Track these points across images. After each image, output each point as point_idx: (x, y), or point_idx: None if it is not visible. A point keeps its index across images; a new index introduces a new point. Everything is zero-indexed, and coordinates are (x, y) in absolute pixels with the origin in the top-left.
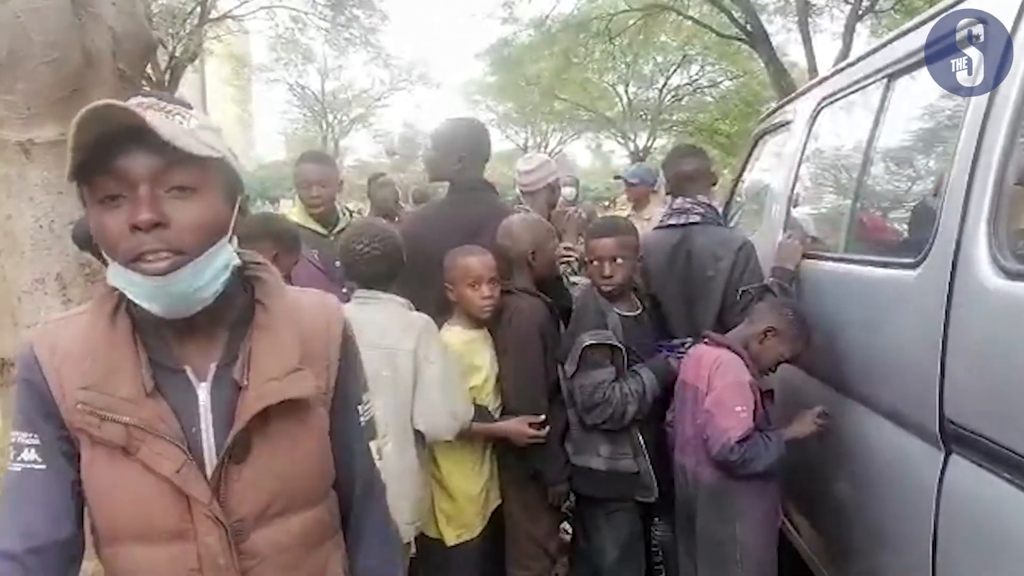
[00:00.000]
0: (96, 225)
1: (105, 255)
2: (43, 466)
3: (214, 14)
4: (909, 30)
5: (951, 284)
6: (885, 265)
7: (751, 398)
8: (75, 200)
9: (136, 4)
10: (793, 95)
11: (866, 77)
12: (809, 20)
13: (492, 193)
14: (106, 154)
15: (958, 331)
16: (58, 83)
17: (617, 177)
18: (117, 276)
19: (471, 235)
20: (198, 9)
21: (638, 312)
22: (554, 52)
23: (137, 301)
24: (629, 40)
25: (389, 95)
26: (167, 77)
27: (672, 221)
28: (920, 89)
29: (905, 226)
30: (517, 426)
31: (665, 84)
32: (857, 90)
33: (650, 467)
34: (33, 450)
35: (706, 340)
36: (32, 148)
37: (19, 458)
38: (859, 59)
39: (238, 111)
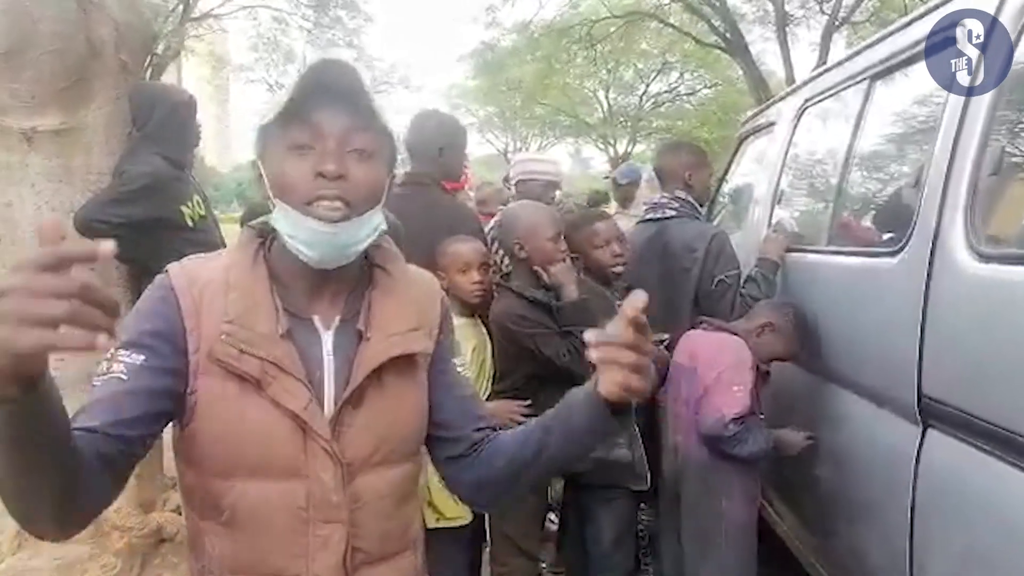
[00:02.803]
0: (279, 168)
1: (275, 199)
2: (124, 378)
3: (196, 12)
4: (890, 34)
5: (930, 268)
6: (867, 254)
7: (750, 379)
8: (75, 188)
9: None
10: (777, 97)
11: (849, 79)
12: (787, 30)
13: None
14: (307, 107)
15: (936, 311)
16: (62, 72)
17: (607, 177)
18: (285, 219)
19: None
20: (180, 7)
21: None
22: (536, 57)
23: (296, 246)
24: (611, 46)
25: None
26: (148, 75)
27: (649, 216)
28: (901, 89)
29: (886, 216)
30: (504, 405)
31: (645, 91)
32: (840, 91)
33: (644, 456)
34: (123, 366)
35: (703, 325)
36: (35, 136)
37: (109, 370)
38: (841, 62)
39: (216, 110)
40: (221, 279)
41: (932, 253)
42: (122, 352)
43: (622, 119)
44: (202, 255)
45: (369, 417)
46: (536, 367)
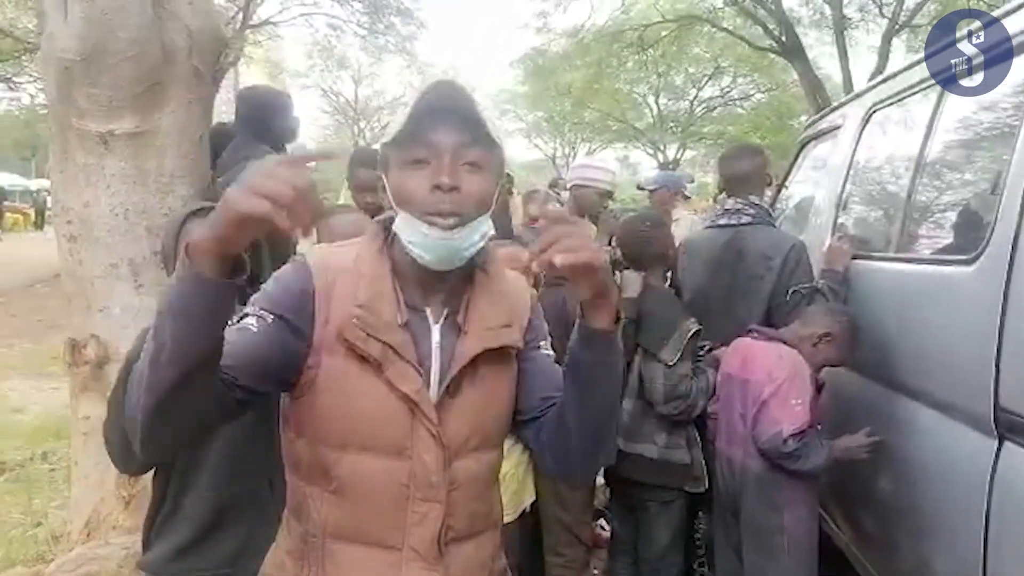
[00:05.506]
0: (399, 181)
1: (396, 207)
2: (255, 329)
3: (255, 20)
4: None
5: (1008, 276)
6: (940, 262)
7: (809, 392)
8: (148, 190)
9: (210, 2)
10: (842, 101)
11: (921, 82)
12: (845, 34)
13: None
14: (423, 127)
15: (1015, 321)
16: (138, 78)
17: (640, 188)
18: (406, 226)
19: None
20: (240, 15)
21: None
22: (587, 62)
23: (414, 249)
24: (662, 51)
25: None
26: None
27: (723, 221)
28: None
29: (961, 223)
30: None
31: (696, 96)
32: (912, 94)
33: (702, 459)
34: (255, 319)
35: (753, 334)
36: (111, 139)
37: (240, 322)
38: (911, 65)
39: None
40: (351, 267)
41: (1011, 261)
42: (260, 309)
43: (672, 124)
44: (333, 246)
45: (466, 405)
46: None
